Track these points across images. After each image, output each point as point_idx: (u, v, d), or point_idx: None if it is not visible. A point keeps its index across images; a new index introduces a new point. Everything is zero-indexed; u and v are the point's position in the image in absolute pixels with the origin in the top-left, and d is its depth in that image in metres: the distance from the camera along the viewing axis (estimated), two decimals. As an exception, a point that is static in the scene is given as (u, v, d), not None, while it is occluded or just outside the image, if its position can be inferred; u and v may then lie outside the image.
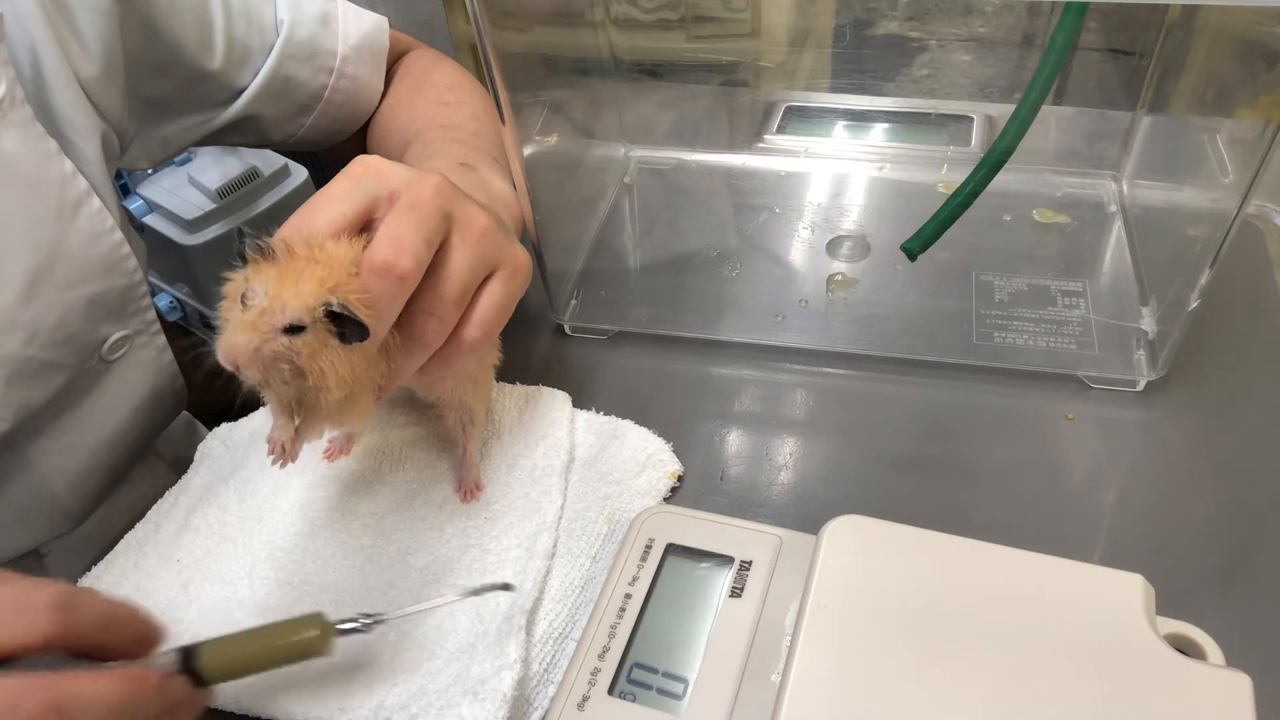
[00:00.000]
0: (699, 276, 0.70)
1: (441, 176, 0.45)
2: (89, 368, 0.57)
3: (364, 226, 0.43)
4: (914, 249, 0.58)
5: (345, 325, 0.40)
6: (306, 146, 0.74)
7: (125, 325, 0.59)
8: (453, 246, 0.44)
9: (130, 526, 0.61)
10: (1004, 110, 0.76)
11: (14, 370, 0.52)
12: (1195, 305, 0.54)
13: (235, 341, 0.40)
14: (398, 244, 0.41)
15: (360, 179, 0.44)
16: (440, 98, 0.68)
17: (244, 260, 0.41)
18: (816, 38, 0.79)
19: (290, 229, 0.42)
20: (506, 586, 0.45)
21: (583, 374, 0.63)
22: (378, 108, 0.73)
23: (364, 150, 0.73)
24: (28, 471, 0.56)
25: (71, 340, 0.55)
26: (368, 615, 0.42)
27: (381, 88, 0.72)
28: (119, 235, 0.56)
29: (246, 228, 0.41)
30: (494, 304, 0.46)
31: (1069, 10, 0.48)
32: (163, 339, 0.62)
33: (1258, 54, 0.51)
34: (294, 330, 0.40)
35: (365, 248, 0.42)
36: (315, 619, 0.41)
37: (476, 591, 0.44)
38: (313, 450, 0.56)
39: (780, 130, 0.81)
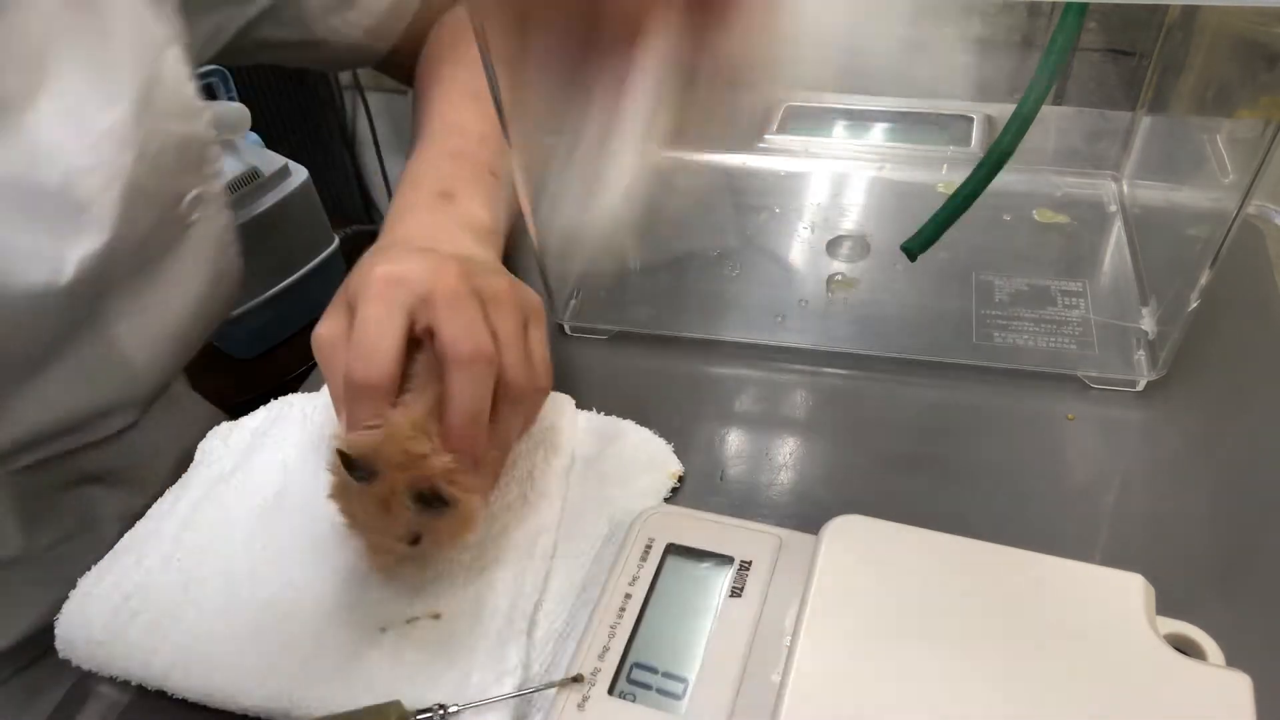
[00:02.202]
0: (699, 277, 0.70)
1: (454, 262, 0.49)
2: (171, 218, 0.58)
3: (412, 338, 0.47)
4: (914, 249, 0.58)
5: (437, 500, 0.44)
6: (354, 59, 0.73)
7: (202, 184, 0.59)
8: (493, 316, 0.49)
9: (174, 456, 0.63)
10: (1004, 110, 0.75)
11: (126, 188, 0.52)
12: (1195, 305, 0.54)
13: (376, 564, 0.47)
14: (470, 332, 0.46)
15: (389, 296, 0.47)
16: (465, 85, 0.68)
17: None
18: (816, 37, 0.79)
19: (359, 372, 0.45)
20: None
21: (582, 374, 0.63)
22: (421, 60, 0.73)
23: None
24: (101, 329, 0.57)
25: (165, 176, 0.56)
26: (442, 706, 0.43)
27: None
28: (195, 86, 0.58)
29: (338, 445, 0.44)
30: (542, 349, 0.52)
31: (1069, 10, 0.48)
32: (229, 216, 0.64)
33: (1258, 54, 0.51)
34: (414, 541, 0.45)
35: (418, 380, 0.47)
36: (393, 706, 0.43)
37: None
38: (314, 452, 0.56)
39: (780, 130, 0.81)
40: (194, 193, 0.59)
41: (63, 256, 0.51)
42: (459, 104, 0.66)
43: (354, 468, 0.44)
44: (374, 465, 0.44)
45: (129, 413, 0.61)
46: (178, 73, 0.56)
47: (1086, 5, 0.48)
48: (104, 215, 0.52)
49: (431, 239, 0.55)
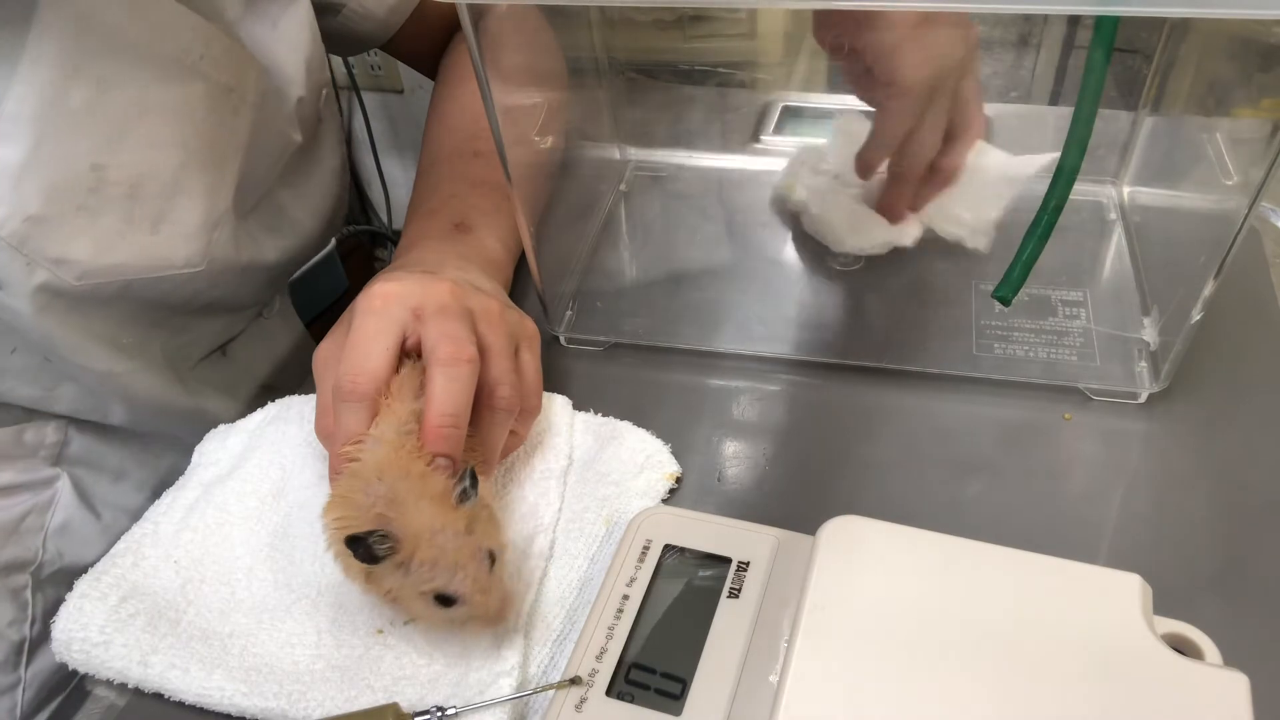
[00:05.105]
0: (695, 287, 0.70)
1: (449, 281, 0.51)
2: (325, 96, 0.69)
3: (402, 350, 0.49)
4: (1007, 296, 0.55)
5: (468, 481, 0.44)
6: (363, 36, 0.74)
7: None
8: (483, 331, 0.50)
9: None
10: (1000, 110, 0.75)
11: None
12: (1199, 318, 0.53)
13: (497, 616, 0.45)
14: (453, 340, 0.47)
15: (383, 311, 0.48)
16: (475, 115, 0.69)
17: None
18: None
19: (346, 381, 0.47)
20: None
21: (579, 385, 0.63)
22: (437, 85, 0.75)
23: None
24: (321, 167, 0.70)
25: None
26: (440, 708, 0.43)
27: None
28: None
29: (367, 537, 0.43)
30: (534, 370, 0.54)
31: (1102, 23, 0.47)
32: (337, 118, 0.73)
33: (1260, 54, 0.50)
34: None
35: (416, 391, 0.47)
36: (390, 708, 0.43)
37: None
38: (312, 453, 0.56)
39: (778, 131, 0.80)
40: (326, 91, 0.69)
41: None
42: (469, 138, 0.67)
43: (372, 542, 0.42)
44: (390, 533, 0.43)
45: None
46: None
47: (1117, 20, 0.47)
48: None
49: (438, 265, 0.56)
